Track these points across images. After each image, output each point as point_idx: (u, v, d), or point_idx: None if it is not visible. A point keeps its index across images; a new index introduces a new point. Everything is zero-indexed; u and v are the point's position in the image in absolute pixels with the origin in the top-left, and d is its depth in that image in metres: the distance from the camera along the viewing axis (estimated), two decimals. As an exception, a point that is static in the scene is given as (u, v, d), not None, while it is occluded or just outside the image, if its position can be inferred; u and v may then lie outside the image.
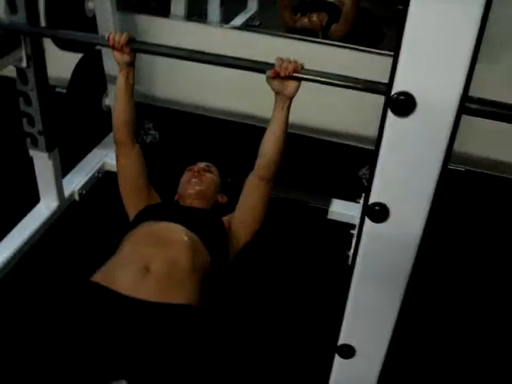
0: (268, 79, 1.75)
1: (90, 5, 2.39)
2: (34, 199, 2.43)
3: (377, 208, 0.86)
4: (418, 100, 0.77)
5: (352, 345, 1.06)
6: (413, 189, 0.84)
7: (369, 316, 1.01)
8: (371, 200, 0.86)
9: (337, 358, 1.09)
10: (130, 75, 1.95)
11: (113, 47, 1.83)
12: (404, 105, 0.77)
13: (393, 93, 0.77)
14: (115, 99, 2.02)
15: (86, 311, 1.68)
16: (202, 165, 2.24)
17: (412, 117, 0.78)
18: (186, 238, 1.89)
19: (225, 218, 2.08)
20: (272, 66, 1.72)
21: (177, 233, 1.91)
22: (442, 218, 1.25)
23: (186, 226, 1.93)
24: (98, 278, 1.76)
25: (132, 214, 2.09)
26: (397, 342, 1.07)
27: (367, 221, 0.88)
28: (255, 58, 1.79)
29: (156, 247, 1.83)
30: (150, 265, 1.75)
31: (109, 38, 1.83)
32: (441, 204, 0.89)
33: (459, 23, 0.73)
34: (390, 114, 0.78)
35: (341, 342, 1.06)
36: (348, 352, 1.06)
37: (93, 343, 1.61)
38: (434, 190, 0.84)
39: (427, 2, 0.72)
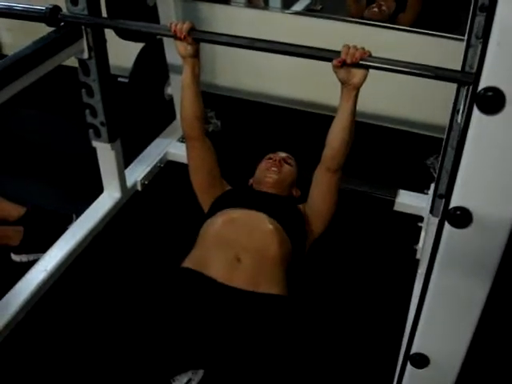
0: (334, 68, 1.68)
1: (151, -7, 2.36)
2: (98, 189, 2.44)
3: (458, 213, 0.79)
4: (507, 96, 0.69)
5: (426, 354, 0.99)
6: (499, 192, 0.77)
7: (446, 325, 0.95)
8: (452, 204, 0.79)
9: (409, 367, 1.03)
10: (196, 67, 1.92)
11: (175, 36, 1.80)
12: (492, 102, 0.70)
13: (479, 88, 0.70)
14: (182, 93, 1.98)
15: (181, 295, 1.74)
16: (283, 155, 2.22)
17: (501, 114, 0.71)
18: (271, 227, 1.89)
19: (300, 206, 2.08)
20: (338, 53, 1.65)
21: (260, 221, 1.91)
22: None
23: (267, 213, 1.93)
24: (190, 264, 1.82)
25: (207, 204, 2.10)
26: (473, 353, 1.00)
27: (447, 226, 0.81)
28: (318, 44, 1.72)
29: (243, 236, 1.85)
30: (240, 255, 1.79)
31: (171, 26, 1.79)
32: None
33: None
34: (476, 111, 0.71)
35: (414, 350, 1.00)
36: (421, 361, 1.00)
37: (182, 328, 1.68)
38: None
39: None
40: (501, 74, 0.69)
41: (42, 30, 1.92)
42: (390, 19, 3.07)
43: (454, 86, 1.82)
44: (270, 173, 2.14)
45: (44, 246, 2.19)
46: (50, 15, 1.86)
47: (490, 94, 0.70)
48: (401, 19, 3.04)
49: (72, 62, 2.07)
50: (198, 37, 1.81)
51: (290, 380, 1.70)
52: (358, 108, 1.79)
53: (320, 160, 1.96)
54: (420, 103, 2.76)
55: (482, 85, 0.70)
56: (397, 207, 2.45)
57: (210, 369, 1.64)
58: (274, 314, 1.73)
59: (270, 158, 2.20)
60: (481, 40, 1.54)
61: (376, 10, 3.07)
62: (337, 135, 1.84)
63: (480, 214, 0.79)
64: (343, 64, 1.65)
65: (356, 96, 1.75)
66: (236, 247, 1.81)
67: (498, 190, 0.77)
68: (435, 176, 2.28)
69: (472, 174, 0.77)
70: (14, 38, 3.39)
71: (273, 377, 1.66)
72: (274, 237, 1.87)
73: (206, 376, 1.64)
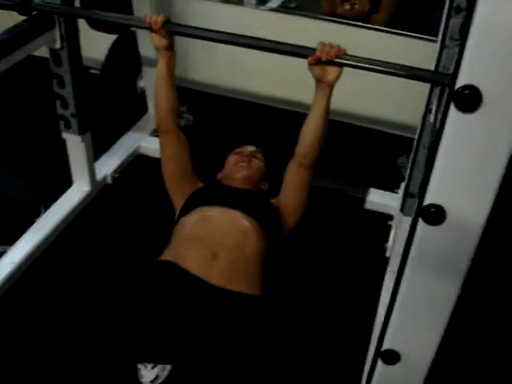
0: (309, 65, 1.68)
1: (125, -15, 2.34)
2: (67, 182, 2.41)
3: (432, 210, 0.79)
4: (484, 95, 0.70)
5: (397, 350, 1.00)
6: (474, 190, 0.77)
7: (417, 321, 0.95)
8: (426, 201, 0.80)
9: (379, 363, 1.03)
10: (171, 60, 1.90)
11: (150, 28, 1.78)
12: (469, 100, 0.71)
13: (457, 86, 0.71)
14: (157, 86, 1.96)
15: (155, 286, 1.75)
16: (251, 149, 2.20)
17: (477, 113, 0.71)
18: (247, 224, 1.88)
19: (272, 201, 2.08)
20: (313, 50, 1.65)
21: (236, 218, 1.89)
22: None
23: (242, 210, 1.91)
24: (168, 257, 1.81)
25: (179, 200, 2.07)
26: (444, 349, 1.01)
27: (421, 222, 0.82)
28: (291, 41, 1.72)
29: (219, 234, 1.83)
30: (217, 252, 1.78)
31: (146, 18, 1.78)
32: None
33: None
34: (453, 109, 0.72)
35: (385, 346, 1.00)
36: (392, 358, 1.01)
37: (152, 321, 1.67)
38: (496, 191, 0.77)
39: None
40: (478, 73, 0.70)
41: (13, 19, 1.89)
42: (364, 19, 3.08)
43: (426, 86, 1.83)
44: (240, 168, 2.12)
45: (11, 239, 2.16)
46: (23, 3, 1.83)
47: (467, 92, 0.70)
48: (375, 19, 3.06)
49: (42, 52, 2.04)
50: (172, 29, 1.80)
51: (257, 378, 1.70)
52: (331, 106, 1.80)
53: (292, 156, 1.97)
54: (392, 103, 2.78)
55: (459, 83, 0.71)
56: (367, 205, 2.47)
57: (177, 364, 1.64)
58: (245, 315, 1.73)
59: (239, 153, 2.19)
60: (456, 41, 1.55)
61: (348, 7, 3.08)
62: (310, 132, 1.85)
63: (454, 212, 0.80)
64: (318, 61, 1.65)
65: (330, 93, 1.75)
66: (212, 245, 1.79)
67: (472, 188, 0.78)
68: (405, 175, 2.30)
69: (447, 171, 0.77)
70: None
71: (239, 374, 1.66)
72: (250, 234, 1.86)
73: (173, 372, 1.64)
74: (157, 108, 2.01)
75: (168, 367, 1.64)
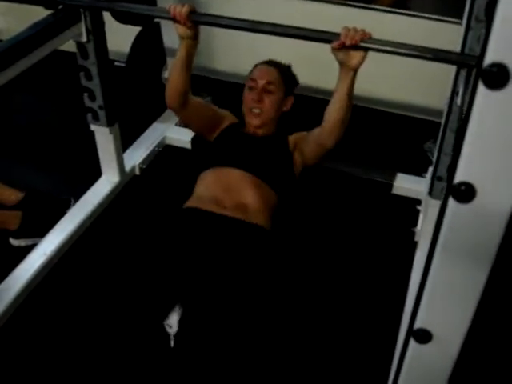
0: (333, 50, 1.68)
1: (148, -24, 2.34)
2: (96, 174, 2.45)
3: (463, 188, 0.80)
4: (512, 71, 0.70)
5: (429, 329, 1.00)
6: (503, 168, 0.78)
7: (448, 301, 0.96)
8: (456, 179, 0.80)
9: (412, 342, 1.04)
10: (192, 49, 1.92)
11: (174, 19, 1.79)
12: (497, 77, 0.71)
13: (485, 64, 0.71)
14: (172, 70, 2.01)
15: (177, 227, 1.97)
16: (263, 80, 2.24)
17: (506, 90, 0.71)
18: (251, 185, 2.05)
19: (291, 138, 2.22)
20: (337, 35, 1.64)
21: (242, 180, 2.06)
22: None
23: (249, 171, 2.07)
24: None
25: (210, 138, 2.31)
26: (475, 328, 1.02)
27: (451, 200, 0.82)
28: (314, 27, 1.71)
29: (226, 193, 2.03)
30: (225, 205, 2.00)
31: (170, 9, 1.78)
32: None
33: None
34: (481, 86, 0.72)
35: (417, 326, 1.01)
36: (424, 336, 1.01)
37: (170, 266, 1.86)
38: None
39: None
40: (506, 50, 0.70)
41: (37, 14, 1.91)
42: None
43: (451, 69, 1.82)
44: (252, 116, 2.22)
45: (42, 231, 2.20)
46: (49, -2, 1.85)
47: (494, 69, 0.71)
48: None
49: (67, 46, 2.06)
50: (197, 19, 1.80)
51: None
52: (356, 92, 1.80)
53: (317, 133, 2.03)
54: (417, 87, 2.77)
55: (487, 61, 0.71)
56: (395, 190, 2.47)
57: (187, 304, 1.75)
58: (253, 241, 1.92)
59: (252, 88, 2.24)
60: (481, 23, 1.54)
61: None
62: (332, 114, 1.87)
63: (483, 189, 0.80)
64: (342, 46, 1.64)
65: (353, 77, 1.75)
66: (222, 201, 2.01)
67: (501, 165, 0.78)
68: (432, 160, 2.29)
69: (476, 149, 0.78)
70: (8, 22, 3.36)
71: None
72: (254, 193, 2.03)
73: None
74: (168, 88, 2.07)
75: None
